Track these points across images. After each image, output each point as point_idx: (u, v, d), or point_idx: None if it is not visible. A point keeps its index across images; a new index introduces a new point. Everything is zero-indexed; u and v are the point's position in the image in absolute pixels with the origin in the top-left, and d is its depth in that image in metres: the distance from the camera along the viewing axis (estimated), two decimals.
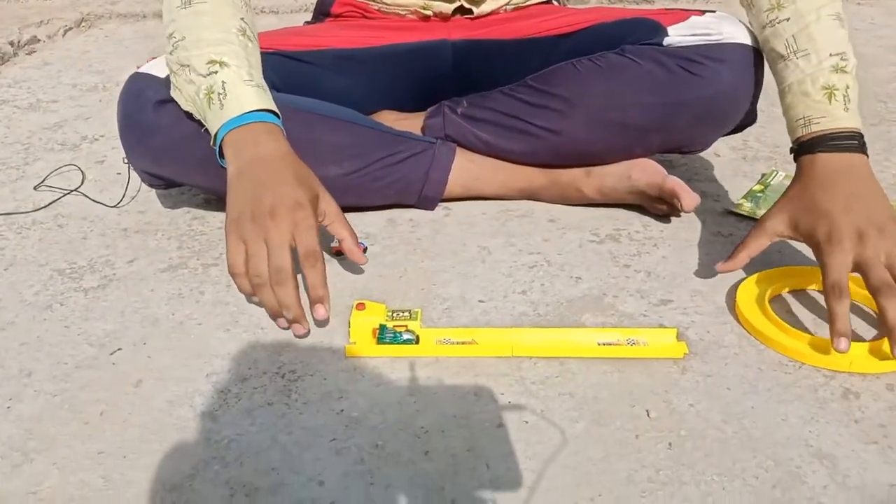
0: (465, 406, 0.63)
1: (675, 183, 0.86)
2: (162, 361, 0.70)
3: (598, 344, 0.69)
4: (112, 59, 1.71)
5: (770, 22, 0.77)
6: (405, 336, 0.70)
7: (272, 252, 0.68)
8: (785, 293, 0.78)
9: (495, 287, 0.79)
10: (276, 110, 0.76)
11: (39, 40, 1.86)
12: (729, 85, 0.83)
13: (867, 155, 0.72)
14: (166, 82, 0.83)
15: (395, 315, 0.72)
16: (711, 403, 0.63)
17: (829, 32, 0.74)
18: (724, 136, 0.92)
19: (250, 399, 0.65)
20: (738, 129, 0.91)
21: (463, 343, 0.70)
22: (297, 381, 0.67)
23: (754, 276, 0.78)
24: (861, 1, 2.04)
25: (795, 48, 0.74)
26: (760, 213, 0.94)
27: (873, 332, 0.72)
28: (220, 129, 0.73)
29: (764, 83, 0.87)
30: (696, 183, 1.03)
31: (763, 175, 1.04)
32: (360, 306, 0.73)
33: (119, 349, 0.72)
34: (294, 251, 0.69)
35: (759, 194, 0.98)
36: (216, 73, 0.73)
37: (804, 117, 0.73)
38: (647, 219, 0.93)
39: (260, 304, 0.71)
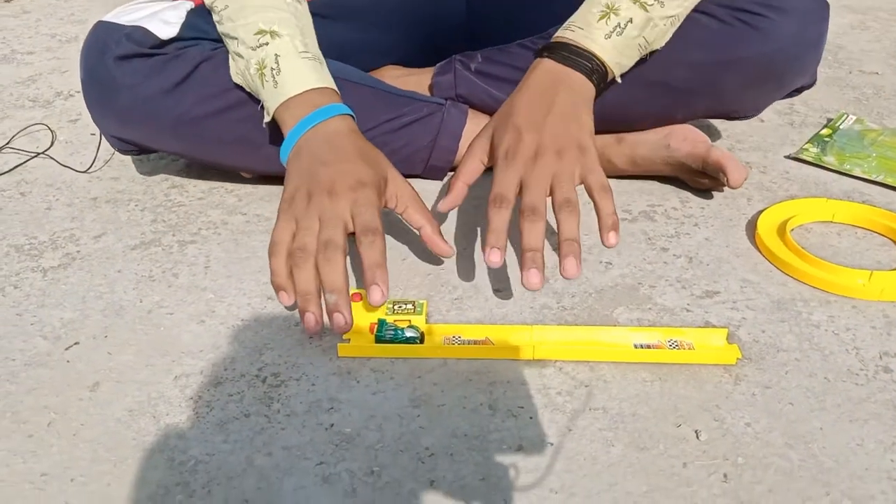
0: (479, 422, 0.53)
1: (722, 154, 0.75)
2: (124, 359, 0.60)
3: (635, 346, 0.59)
4: (96, 7, 1.58)
5: None
6: (408, 333, 0.60)
7: (324, 225, 0.58)
8: (807, 224, 0.76)
9: (513, 274, 0.69)
10: (335, 87, 0.67)
11: None
12: (792, 40, 0.70)
13: (596, 86, 0.65)
14: (129, 34, 0.72)
15: (396, 308, 0.62)
16: (772, 423, 0.53)
17: None
18: (779, 100, 0.80)
19: (224, 409, 0.55)
20: (796, 92, 0.79)
21: (475, 343, 0.60)
22: (279, 386, 0.57)
23: (775, 206, 0.76)
24: None
25: None
26: (827, 159, 0.86)
27: None
28: (278, 109, 0.65)
29: None
30: (737, 153, 0.91)
31: (830, 120, 0.95)
32: (356, 297, 0.62)
33: (76, 343, 0.62)
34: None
35: (826, 139, 0.90)
36: (266, 44, 0.65)
37: (570, 23, 0.67)
38: (685, 193, 0.82)
39: (289, 303, 0.59)
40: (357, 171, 0.61)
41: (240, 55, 0.67)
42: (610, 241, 0.59)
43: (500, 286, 0.67)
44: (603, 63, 0.65)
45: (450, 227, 0.76)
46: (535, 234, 0.57)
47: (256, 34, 0.65)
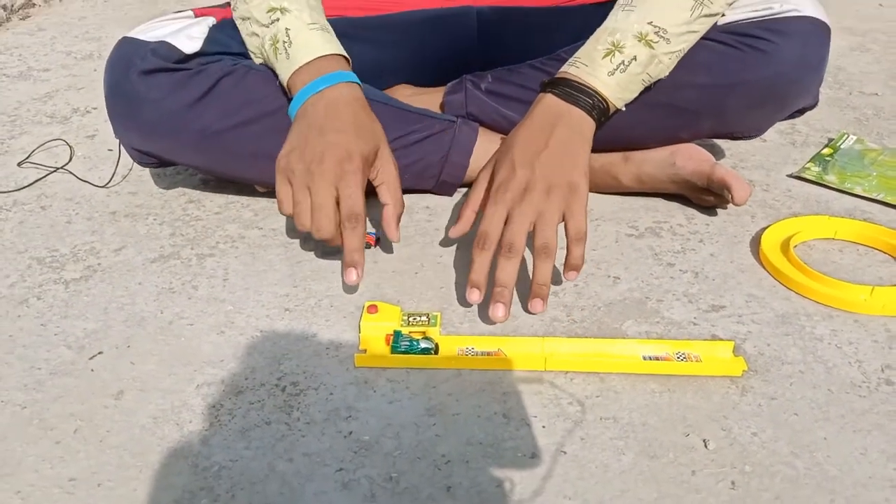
0: (493, 431, 0.55)
1: (726, 172, 0.77)
2: (146, 368, 0.61)
3: (644, 358, 0.61)
4: (110, 25, 1.61)
5: None
6: (423, 344, 0.62)
7: (315, 208, 0.65)
8: (810, 240, 0.78)
9: (523, 287, 0.71)
10: (346, 54, 0.72)
11: (35, 4, 1.75)
12: (794, 63, 0.73)
13: (596, 122, 0.68)
14: (154, 49, 0.74)
15: (411, 320, 0.64)
16: (778, 432, 0.55)
17: (671, 5, 0.67)
18: (781, 120, 0.83)
19: (245, 417, 0.56)
20: (798, 113, 0.81)
21: (488, 354, 0.61)
22: (299, 395, 0.58)
23: (779, 223, 0.78)
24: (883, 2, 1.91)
25: (630, 1, 0.68)
26: (828, 178, 0.89)
27: None
28: (290, 78, 0.70)
29: None
30: (740, 171, 0.93)
31: (831, 140, 0.98)
32: (372, 309, 0.64)
33: (100, 353, 0.63)
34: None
35: (827, 158, 0.93)
36: (277, 20, 0.70)
37: (575, 59, 0.69)
38: (690, 210, 0.84)
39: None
40: (347, 142, 0.65)
41: (255, 34, 0.72)
42: (568, 277, 0.66)
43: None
44: (605, 99, 0.67)
45: (462, 243, 0.78)
46: (508, 271, 0.63)
47: (268, 12, 0.70)
